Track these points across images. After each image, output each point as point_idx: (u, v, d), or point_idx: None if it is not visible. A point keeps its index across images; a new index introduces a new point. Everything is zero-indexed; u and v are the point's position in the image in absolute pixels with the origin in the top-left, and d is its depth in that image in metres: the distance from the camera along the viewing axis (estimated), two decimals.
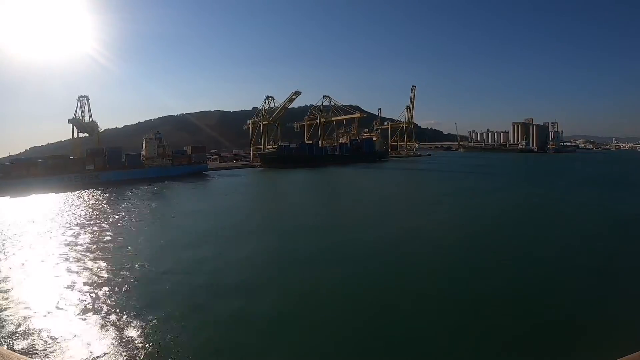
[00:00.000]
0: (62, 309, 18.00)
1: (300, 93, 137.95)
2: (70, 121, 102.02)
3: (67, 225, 38.28)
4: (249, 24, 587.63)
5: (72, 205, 53.61)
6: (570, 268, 22.97)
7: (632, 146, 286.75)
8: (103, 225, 37.87)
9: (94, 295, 19.52)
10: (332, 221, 38.99)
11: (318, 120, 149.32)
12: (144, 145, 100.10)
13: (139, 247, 29.27)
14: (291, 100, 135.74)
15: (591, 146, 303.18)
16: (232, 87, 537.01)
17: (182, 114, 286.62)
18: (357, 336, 15.48)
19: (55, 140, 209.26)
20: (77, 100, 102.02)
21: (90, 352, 14.18)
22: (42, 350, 14.36)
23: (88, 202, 55.77)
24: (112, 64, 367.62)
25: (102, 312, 17.48)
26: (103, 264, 24.56)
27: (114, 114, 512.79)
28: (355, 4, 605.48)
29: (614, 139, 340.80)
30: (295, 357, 14.29)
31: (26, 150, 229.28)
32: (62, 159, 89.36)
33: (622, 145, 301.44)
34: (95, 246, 29.37)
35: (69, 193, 67.58)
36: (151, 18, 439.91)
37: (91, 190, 71.28)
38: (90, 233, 34.07)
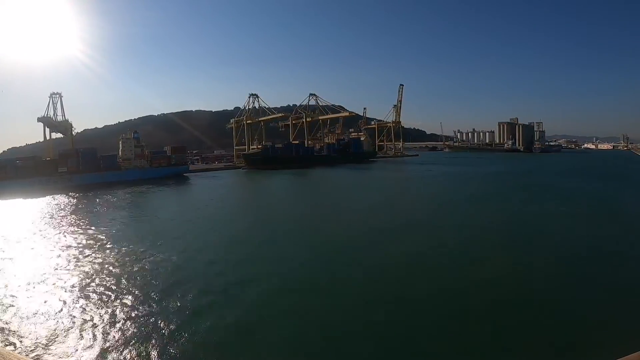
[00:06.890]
0: (61, 309, 18.28)
1: (287, 118, 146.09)
2: (39, 120, 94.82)
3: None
4: (235, 23, 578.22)
5: (35, 213, 48.97)
6: (569, 267, 22.96)
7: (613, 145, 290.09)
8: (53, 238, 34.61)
9: (92, 297, 19.83)
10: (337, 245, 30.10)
11: (304, 120, 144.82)
12: (120, 145, 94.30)
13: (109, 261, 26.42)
14: (276, 118, 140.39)
15: (573, 146, 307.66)
16: (216, 86, 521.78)
17: (164, 114, 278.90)
18: (354, 335, 15.53)
19: (34, 141, 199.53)
20: (49, 97, 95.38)
21: (90, 352, 14.47)
22: (42, 350, 14.63)
23: (51, 211, 51.07)
24: (97, 64, 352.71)
25: (100, 314, 17.78)
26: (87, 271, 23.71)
27: (97, 115, 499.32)
28: (341, 2, 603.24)
29: (595, 138, 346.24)
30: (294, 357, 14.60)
31: (4, 151, 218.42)
32: (31, 160, 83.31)
33: (602, 145, 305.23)
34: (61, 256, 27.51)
35: (36, 199, 62.27)
36: (137, 19, 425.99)
37: (60, 196, 66.04)
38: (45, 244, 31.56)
